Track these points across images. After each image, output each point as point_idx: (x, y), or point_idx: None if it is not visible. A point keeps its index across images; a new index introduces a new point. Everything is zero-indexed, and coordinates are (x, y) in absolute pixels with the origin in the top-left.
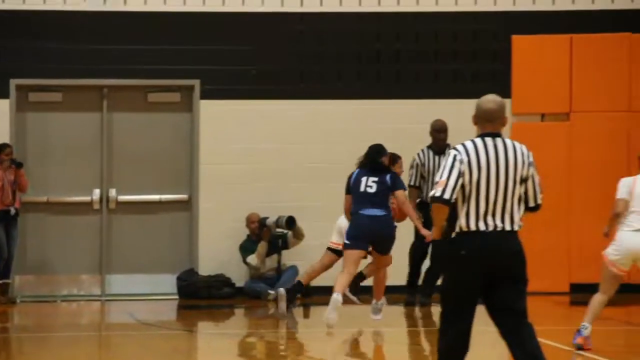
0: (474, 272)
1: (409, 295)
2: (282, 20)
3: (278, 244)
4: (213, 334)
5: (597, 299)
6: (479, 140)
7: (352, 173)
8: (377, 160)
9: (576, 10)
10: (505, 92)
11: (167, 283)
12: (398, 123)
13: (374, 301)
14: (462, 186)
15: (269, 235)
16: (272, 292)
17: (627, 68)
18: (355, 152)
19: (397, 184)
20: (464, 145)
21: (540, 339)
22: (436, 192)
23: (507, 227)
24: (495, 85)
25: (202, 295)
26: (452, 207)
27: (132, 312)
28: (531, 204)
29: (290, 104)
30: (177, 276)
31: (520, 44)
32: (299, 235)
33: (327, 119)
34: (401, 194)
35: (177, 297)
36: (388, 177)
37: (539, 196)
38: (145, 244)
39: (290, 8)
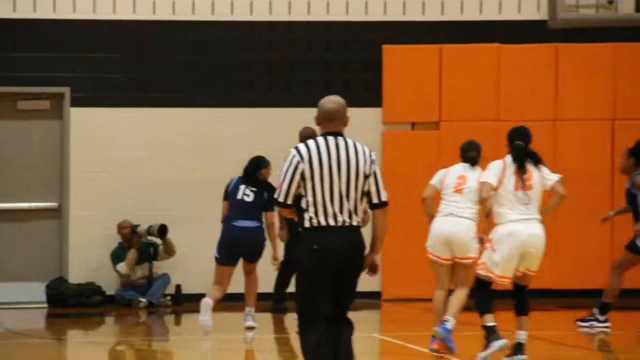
0: (327, 266)
1: (274, 302)
2: (154, 27)
3: (149, 252)
4: (83, 342)
5: (436, 298)
6: (321, 139)
7: (232, 179)
8: (254, 173)
9: (446, 21)
10: (376, 101)
11: (36, 291)
12: (269, 130)
13: (247, 308)
14: (305, 184)
15: (139, 243)
16: (142, 300)
17: (495, 78)
18: (227, 160)
19: (270, 204)
20: (306, 144)
21: (406, 344)
22: (276, 194)
23: (354, 223)
24: (366, 94)
25: (71, 304)
26: (299, 207)
27: (0, 321)
28: (375, 200)
29: (162, 112)
30: (47, 284)
31: (391, 53)
32: (170, 251)
33: (199, 127)
34: (271, 216)
35: (46, 305)
36: (266, 194)
37: (383, 193)
38: (14, 251)
39: (162, 16)
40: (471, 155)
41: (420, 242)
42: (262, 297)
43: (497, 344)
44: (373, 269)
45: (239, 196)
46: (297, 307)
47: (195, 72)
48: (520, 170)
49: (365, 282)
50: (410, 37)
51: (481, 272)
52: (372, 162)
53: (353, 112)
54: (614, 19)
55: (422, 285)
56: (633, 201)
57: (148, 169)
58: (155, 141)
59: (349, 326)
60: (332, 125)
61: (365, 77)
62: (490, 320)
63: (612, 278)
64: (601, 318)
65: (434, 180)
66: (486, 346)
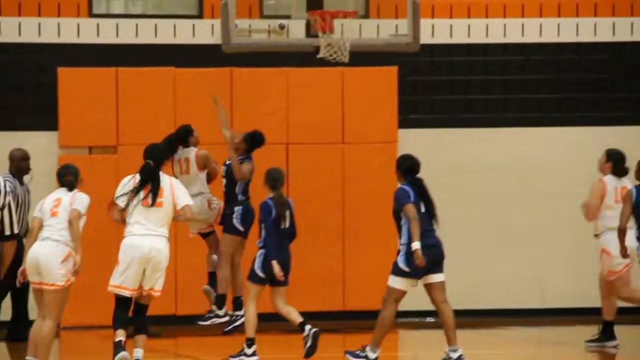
0: None
1: None
2: None
3: None
4: None
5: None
6: None
7: None
8: None
9: (121, 44)
10: (53, 125)
11: None
12: None
13: None
14: None
15: None
16: None
17: (172, 101)
18: None
19: None
20: None
21: None
22: None
23: None
24: (42, 118)
25: None
26: None
27: None
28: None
29: None
30: None
31: (67, 76)
32: None
33: None
34: None
35: None
36: None
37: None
38: None
39: None
40: (68, 179)
41: (100, 268)
42: None
43: (117, 357)
44: None
45: None
46: None
47: None
48: (146, 187)
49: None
50: (86, 59)
51: (110, 289)
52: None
53: (28, 136)
54: (286, 43)
55: (101, 313)
56: None
57: None
58: None
59: None
60: None
61: (40, 100)
62: (119, 335)
63: (224, 270)
64: (221, 313)
65: (36, 212)
66: None
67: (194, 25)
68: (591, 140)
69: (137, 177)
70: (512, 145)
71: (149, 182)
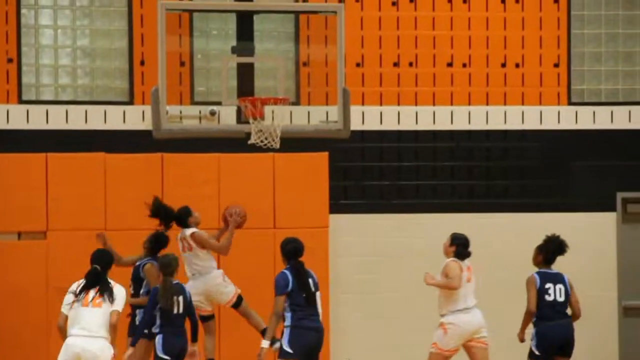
0: None
1: None
2: None
3: None
4: None
5: None
6: None
7: None
8: None
9: (51, 130)
10: None
11: None
12: None
13: None
14: None
15: None
16: None
17: (102, 187)
18: None
19: None
20: None
21: None
22: None
23: None
24: None
25: None
26: None
27: None
28: None
29: None
30: None
31: None
32: None
33: None
34: None
35: None
36: None
37: None
38: None
39: None
40: None
41: None
42: None
43: None
44: None
45: None
46: None
47: None
48: (88, 290)
49: None
50: (15, 145)
51: None
52: None
53: None
54: (217, 129)
55: None
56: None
57: None
58: None
59: None
60: None
61: None
62: None
63: None
64: None
65: None
66: None
67: (124, 111)
68: (520, 227)
69: (83, 281)
70: (442, 231)
71: (92, 285)
